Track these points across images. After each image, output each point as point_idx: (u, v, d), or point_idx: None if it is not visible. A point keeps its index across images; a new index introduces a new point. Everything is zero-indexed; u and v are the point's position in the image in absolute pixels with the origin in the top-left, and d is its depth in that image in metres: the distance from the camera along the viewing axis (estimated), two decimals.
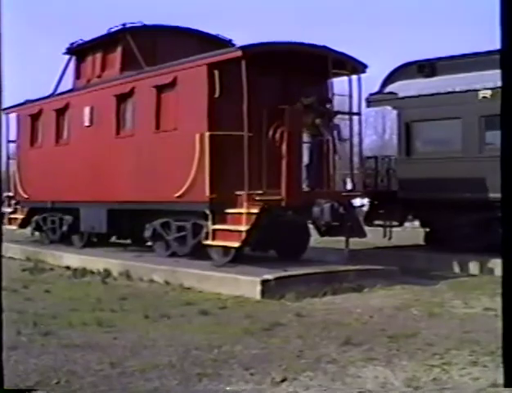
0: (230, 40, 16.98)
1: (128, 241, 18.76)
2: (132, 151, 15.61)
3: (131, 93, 15.70)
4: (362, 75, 14.52)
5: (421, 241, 18.65)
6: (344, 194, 14.41)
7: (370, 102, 18.30)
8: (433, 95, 16.72)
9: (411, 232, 21.26)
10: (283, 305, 10.99)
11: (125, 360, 7.35)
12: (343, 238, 14.28)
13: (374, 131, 63.30)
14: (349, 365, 7.15)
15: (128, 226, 16.77)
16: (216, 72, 13.25)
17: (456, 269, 15.60)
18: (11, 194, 21.92)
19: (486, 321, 9.69)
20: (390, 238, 17.75)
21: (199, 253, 14.37)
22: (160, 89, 14.79)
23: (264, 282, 11.65)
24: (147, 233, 15.57)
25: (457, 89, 16.20)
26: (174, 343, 8.18)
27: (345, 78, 14.37)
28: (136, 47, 15.93)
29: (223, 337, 8.47)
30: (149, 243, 16.78)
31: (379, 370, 6.99)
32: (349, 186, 15.96)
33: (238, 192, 12.98)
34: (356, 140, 15.81)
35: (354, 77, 14.40)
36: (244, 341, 8.32)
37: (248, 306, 10.88)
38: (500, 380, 5.43)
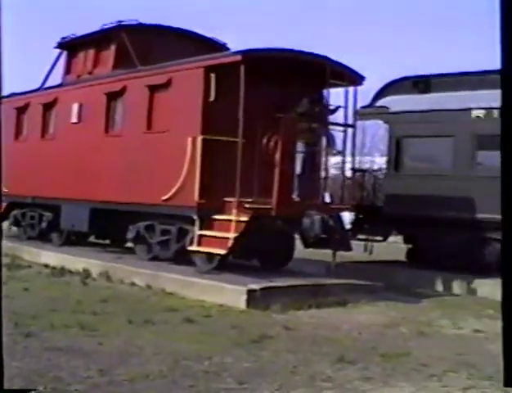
0: (224, 44, 16.70)
1: (107, 242, 18.51)
2: (120, 151, 15.30)
3: (122, 92, 15.39)
4: (359, 87, 14.33)
5: (402, 257, 18.52)
6: (334, 207, 14.21)
7: (362, 115, 18.11)
8: (425, 111, 16.56)
9: (392, 247, 21.10)
10: (269, 317, 10.77)
11: (113, 368, 7.08)
12: (320, 250, 14.12)
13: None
14: (346, 384, 6.95)
15: (109, 226, 16.37)
16: (213, 75, 13.02)
17: (439, 288, 15.46)
18: None
19: (478, 343, 9.55)
20: (371, 253, 17.60)
21: (181, 258, 14.11)
22: (153, 89, 14.49)
23: (250, 292, 11.41)
24: (130, 235, 15.26)
25: (451, 107, 16.07)
26: (162, 351, 7.93)
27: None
28: (130, 46, 15.61)
29: (212, 348, 8.23)
30: (129, 245, 16.53)
31: (377, 391, 6.79)
32: (327, 198, 15.77)
33: (228, 199, 12.75)
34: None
35: (350, 88, 14.21)
36: (233, 352, 8.10)
37: (233, 315, 10.66)
38: None
